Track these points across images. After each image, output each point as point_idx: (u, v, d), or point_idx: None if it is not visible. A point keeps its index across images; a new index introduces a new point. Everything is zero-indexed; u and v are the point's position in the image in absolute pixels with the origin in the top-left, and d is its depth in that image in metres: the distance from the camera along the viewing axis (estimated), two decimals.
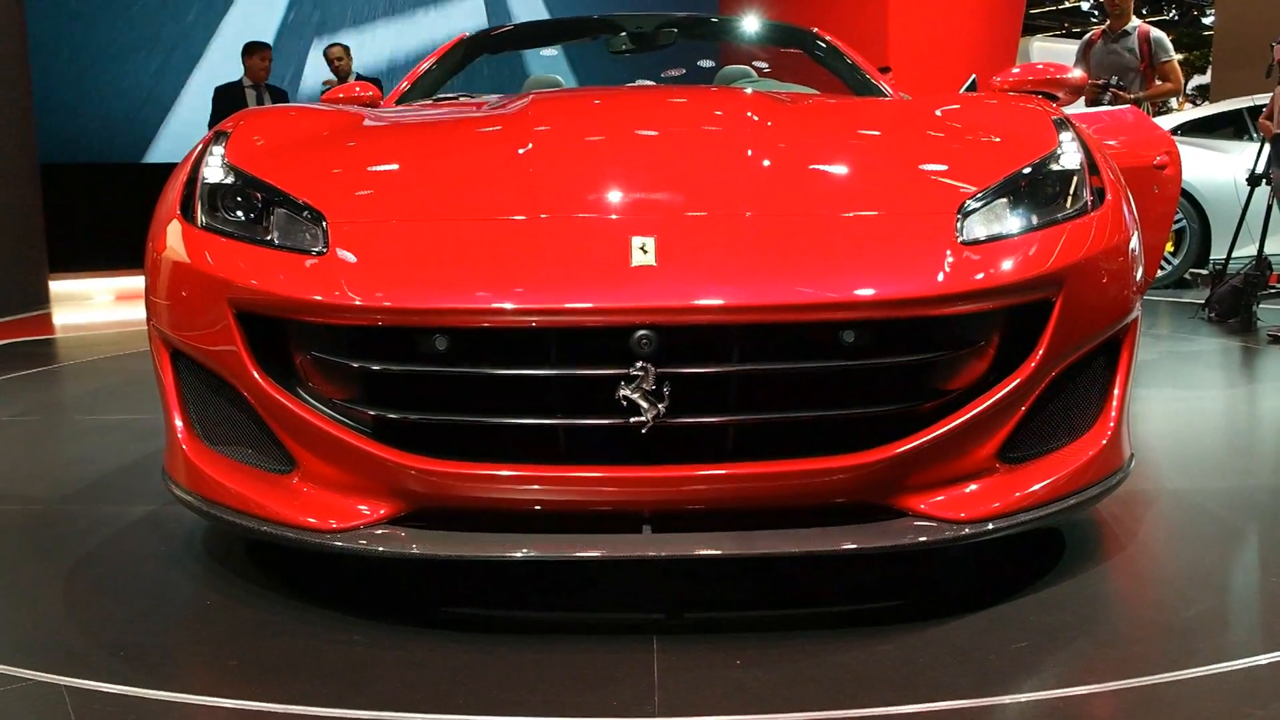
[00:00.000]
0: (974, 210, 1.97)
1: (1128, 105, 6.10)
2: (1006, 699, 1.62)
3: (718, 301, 1.72)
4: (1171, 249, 7.88)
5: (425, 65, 4.04)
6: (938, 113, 2.56)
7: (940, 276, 1.79)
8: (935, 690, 1.64)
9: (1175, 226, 7.70)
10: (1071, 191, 2.11)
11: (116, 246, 9.24)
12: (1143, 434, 3.26)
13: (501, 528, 1.86)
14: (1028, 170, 2.10)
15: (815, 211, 1.92)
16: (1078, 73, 3.79)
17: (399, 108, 3.25)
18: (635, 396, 1.73)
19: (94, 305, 8.34)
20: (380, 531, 1.86)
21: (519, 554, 1.78)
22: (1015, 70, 3.81)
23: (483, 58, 4.23)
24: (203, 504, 2.07)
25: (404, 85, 3.85)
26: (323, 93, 5.02)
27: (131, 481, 2.93)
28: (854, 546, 1.79)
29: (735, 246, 1.81)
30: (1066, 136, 2.30)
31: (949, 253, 1.83)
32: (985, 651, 1.77)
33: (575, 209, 1.93)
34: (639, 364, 1.72)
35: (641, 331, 1.72)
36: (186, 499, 2.11)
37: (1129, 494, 2.52)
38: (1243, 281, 5.69)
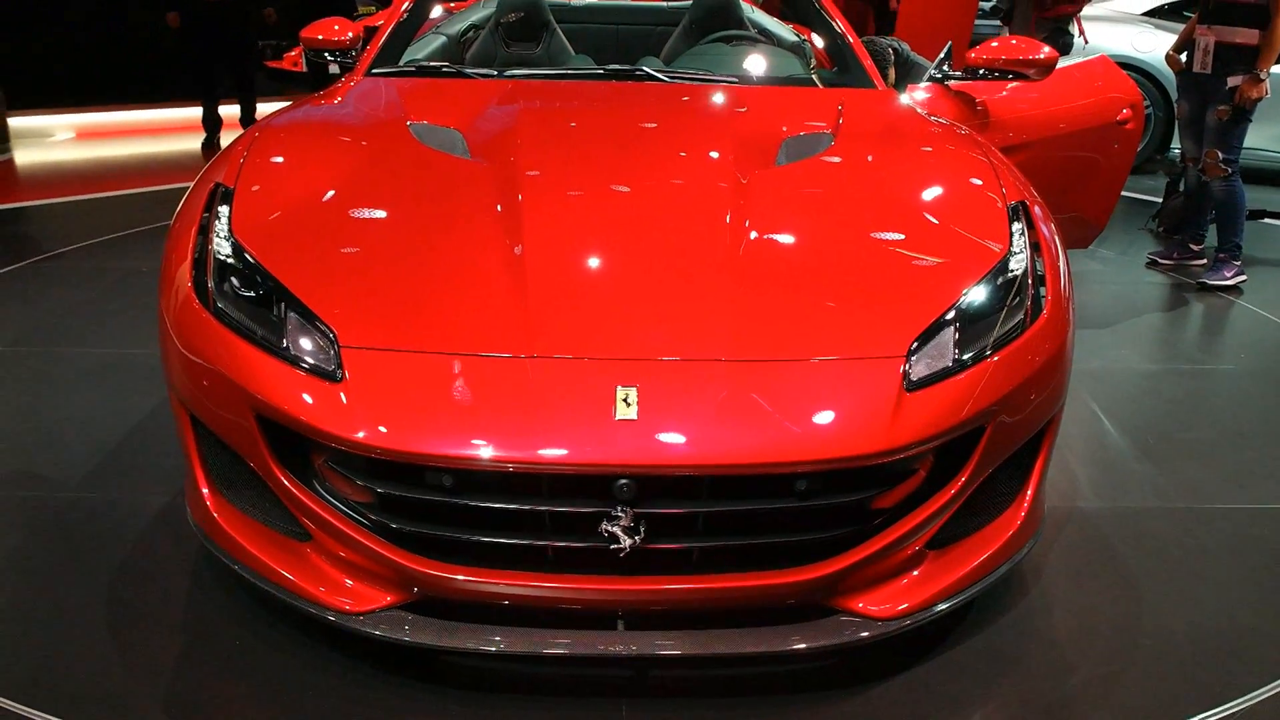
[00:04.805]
0: (920, 348, 2.18)
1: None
2: None
3: (691, 459, 1.98)
4: None
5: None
6: (893, 197, 2.67)
7: (885, 434, 2.03)
8: None
9: None
10: (1013, 302, 2.32)
11: (74, 79, 8.91)
12: (1066, 421, 3.56)
13: (495, 614, 2.17)
14: (974, 289, 2.30)
15: (779, 354, 2.13)
16: (1047, 49, 3.87)
17: (388, 100, 3.24)
18: (616, 530, 2.00)
19: (55, 145, 8.21)
20: (383, 615, 2.16)
21: (493, 648, 2.11)
22: (994, 44, 3.88)
23: None
24: (224, 556, 2.34)
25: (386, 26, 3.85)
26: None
27: (142, 456, 3.19)
28: (804, 646, 2.13)
29: (708, 401, 2.03)
30: (1017, 229, 2.48)
31: (894, 407, 2.06)
32: None
33: (562, 344, 2.12)
34: (619, 506, 1.99)
35: (623, 480, 1.97)
36: (209, 546, 2.38)
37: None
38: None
